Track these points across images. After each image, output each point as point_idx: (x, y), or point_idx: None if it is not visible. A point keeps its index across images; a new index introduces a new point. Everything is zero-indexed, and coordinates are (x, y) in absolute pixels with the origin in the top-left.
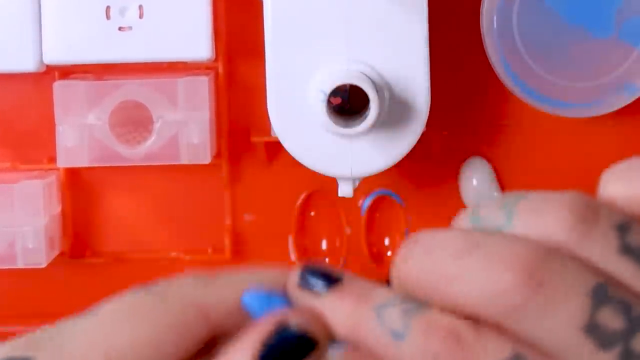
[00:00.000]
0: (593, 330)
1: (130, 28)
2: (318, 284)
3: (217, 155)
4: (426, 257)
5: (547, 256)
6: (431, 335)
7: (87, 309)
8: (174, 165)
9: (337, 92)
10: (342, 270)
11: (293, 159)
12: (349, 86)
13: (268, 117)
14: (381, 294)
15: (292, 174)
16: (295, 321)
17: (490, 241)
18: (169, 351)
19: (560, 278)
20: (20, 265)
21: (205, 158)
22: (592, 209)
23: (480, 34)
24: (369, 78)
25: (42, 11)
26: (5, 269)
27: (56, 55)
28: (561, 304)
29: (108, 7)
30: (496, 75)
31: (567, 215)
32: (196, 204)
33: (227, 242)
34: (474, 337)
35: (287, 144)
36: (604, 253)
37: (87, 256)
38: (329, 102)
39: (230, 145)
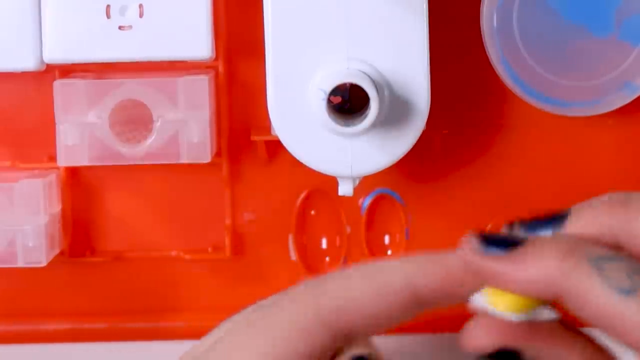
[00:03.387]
0: None
1: (130, 27)
2: (497, 250)
3: (217, 155)
4: None
5: None
6: None
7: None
8: (174, 164)
9: (337, 91)
10: (520, 236)
11: (293, 158)
12: (349, 85)
13: (268, 116)
14: (588, 248)
15: (292, 173)
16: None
17: None
18: (293, 357)
19: None
20: (20, 264)
21: (206, 157)
22: None
23: (480, 34)
24: (369, 77)
25: (42, 10)
26: (6, 268)
27: (56, 54)
28: None
29: (108, 6)
30: (496, 75)
31: None
32: (196, 203)
33: (227, 241)
34: None
35: (287, 143)
36: None
37: (88, 255)
38: (329, 101)
39: (231, 144)
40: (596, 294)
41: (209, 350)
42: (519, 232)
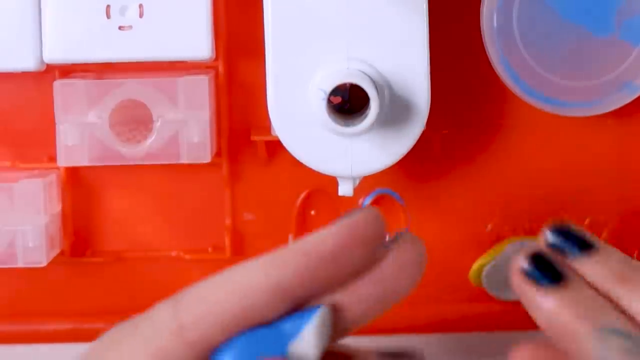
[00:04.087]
0: None
1: (130, 27)
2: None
3: (217, 155)
4: None
5: None
6: None
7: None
8: (174, 164)
9: (337, 91)
10: (568, 267)
11: (293, 158)
12: (349, 85)
13: (268, 116)
14: (608, 312)
15: (292, 173)
16: None
17: None
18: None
19: None
20: (20, 264)
21: (206, 157)
22: None
23: (480, 34)
24: (369, 77)
25: (42, 10)
26: (6, 268)
27: (56, 54)
28: None
29: (108, 6)
30: (496, 75)
31: None
32: (196, 203)
33: (227, 241)
34: None
35: (287, 143)
36: None
37: (88, 255)
38: (329, 101)
39: (231, 144)
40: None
41: None
42: (550, 239)
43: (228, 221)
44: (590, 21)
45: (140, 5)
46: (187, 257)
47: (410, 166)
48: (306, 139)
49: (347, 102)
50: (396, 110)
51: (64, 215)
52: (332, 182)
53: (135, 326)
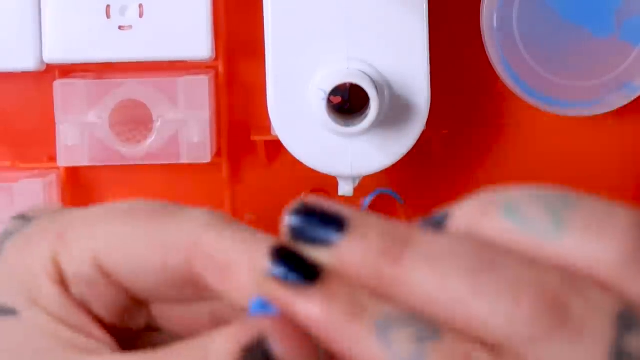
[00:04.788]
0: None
1: (130, 27)
2: (292, 275)
3: (217, 155)
4: (432, 271)
5: (572, 289)
6: None
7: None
8: (174, 164)
9: (337, 91)
10: (321, 264)
11: (293, 158)
12: (349, 85)
13: (268, 116)
14: (377, 306)
15: (292, 173)
16: (275, 344)
17: (509, 263)
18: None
19: (585, 312)
20: None
21: (206, 157)
22: None
23: (480, 34)
24: (369, 77)
25: (42, 10)
26: None
27: (56, 54)
28: (586, 337)
29: (108, 6)
30: (496, 75)
31: (629, 244)
32: (196, 204)
33: None
34: None
35: (287, 143)
36: None
37: None
38: (329, 101)
39: (231, 144)
40: None
41: None
42: (292, 224)
43: None
44: (590, 21)
45: (140, 5)
46: None
47: (410, 166)
48: (306, 139)
49: (347, 102)
50: (396, 110)
51: None
52: (332, 182)
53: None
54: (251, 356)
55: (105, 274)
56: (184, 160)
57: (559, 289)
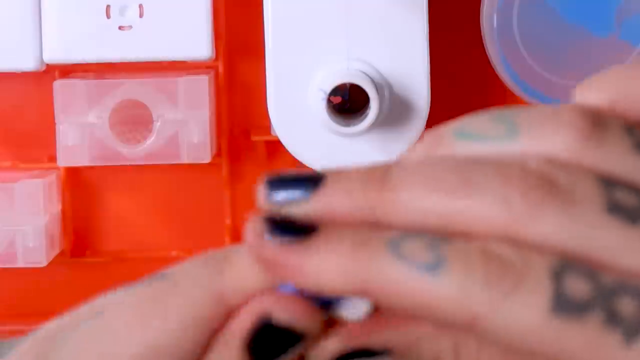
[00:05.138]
0: (615, 210)
1: (130, 27)
2: (288, 235)
3: (217, 155)
4: (420, 182)
5: (553, 165)
6: (473, 262)
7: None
8: (174, 164)
9: (337, 91)
10: (310, 218)
11: (293, 158)
12: (349, 85)
13: (268, 116)
14: (381, 233)
15: None
16: (278, 315)
17: (486, 161)
18: (188, 348)
19: (571, 180)
20: (20, 264)
21: (206, 157)
22: (600, 116)
23: (480, 34)
24: (369, 77)
25: (42, 10)
26: (6, 268)
27: (56, 54)
28: (579, 200)
29: (108, 6)
30: (496, 75)
31: (581, 124)
32: (196, 204)
33: (227, 241)
34: (517, 256)
35: (287, 143)
36: (619, 156)
37: (88, 255)
38: (329, 101)
39: (231, 144)
40: (402, 279)
41: (77, 324)
42: (267, 194)
43: (228, 221)
44: (590, 21)
45: (140, 5)
46: (187, 257)
47: None
48: (306, 139)
49: (347, 102)
50: (396, 110)
51: (64, 215)
52: None
53: (173, 283)
54: (260, 336)
55: None
56: (184, 160)
57: (542, 167)
